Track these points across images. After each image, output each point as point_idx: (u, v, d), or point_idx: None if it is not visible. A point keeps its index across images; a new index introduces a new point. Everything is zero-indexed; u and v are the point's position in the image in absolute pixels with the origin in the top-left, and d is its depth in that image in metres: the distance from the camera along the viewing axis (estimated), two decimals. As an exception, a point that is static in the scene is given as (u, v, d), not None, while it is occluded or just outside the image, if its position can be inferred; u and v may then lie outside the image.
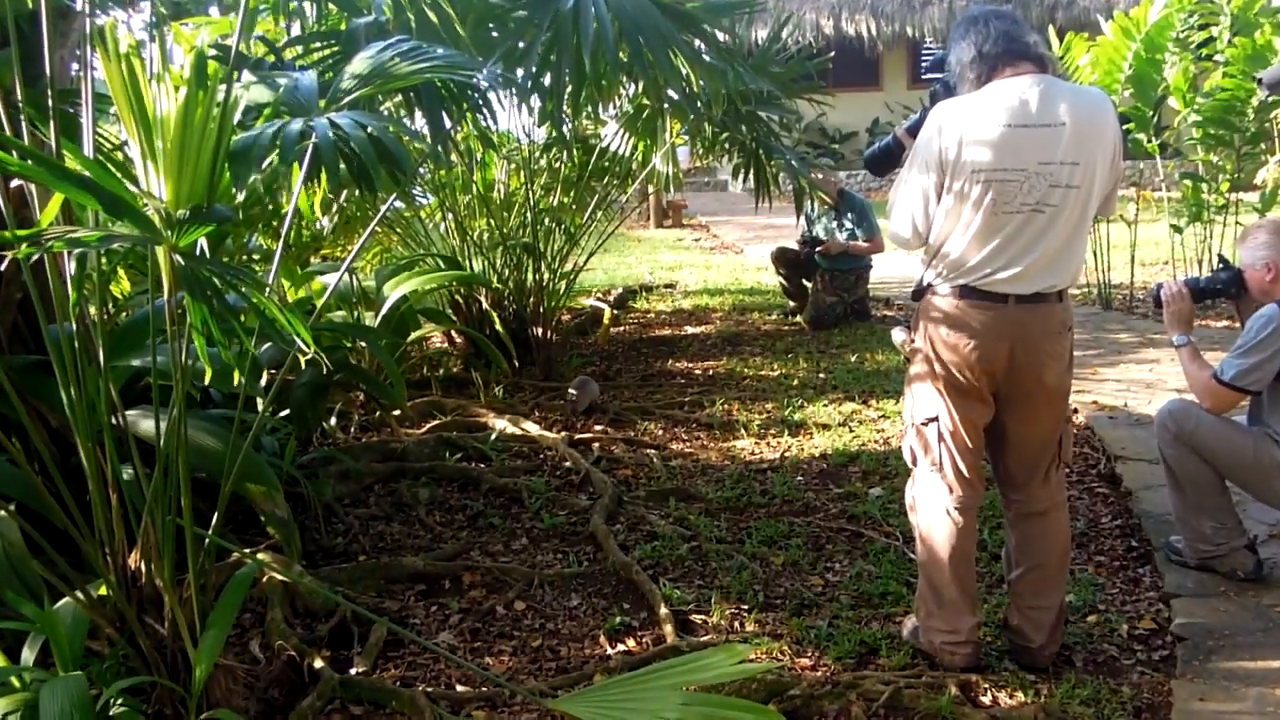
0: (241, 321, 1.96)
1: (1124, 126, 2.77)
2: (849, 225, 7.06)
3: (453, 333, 6.45)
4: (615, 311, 7.78)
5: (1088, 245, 2.81)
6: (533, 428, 4.85)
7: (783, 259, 7.42)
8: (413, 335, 5.12)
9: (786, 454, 4.56)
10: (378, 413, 4.78)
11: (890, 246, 7.08)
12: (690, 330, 7.43)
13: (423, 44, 2.71)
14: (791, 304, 7.67)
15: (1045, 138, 2.45)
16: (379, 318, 4.58)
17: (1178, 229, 6.93)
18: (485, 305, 5.92)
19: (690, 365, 6.34)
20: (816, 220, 7.28)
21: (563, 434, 4.75)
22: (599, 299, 8.22)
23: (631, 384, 5.84)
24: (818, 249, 7.10)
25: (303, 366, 3.61)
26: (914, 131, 2.73)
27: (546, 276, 6.02)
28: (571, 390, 5.10)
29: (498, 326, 5.69)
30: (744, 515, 3.89)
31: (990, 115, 2.46)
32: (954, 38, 2.58)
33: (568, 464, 4.41)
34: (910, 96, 17.72)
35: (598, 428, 4.98)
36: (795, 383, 5.75)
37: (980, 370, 2.59)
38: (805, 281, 7.46)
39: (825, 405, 5.25)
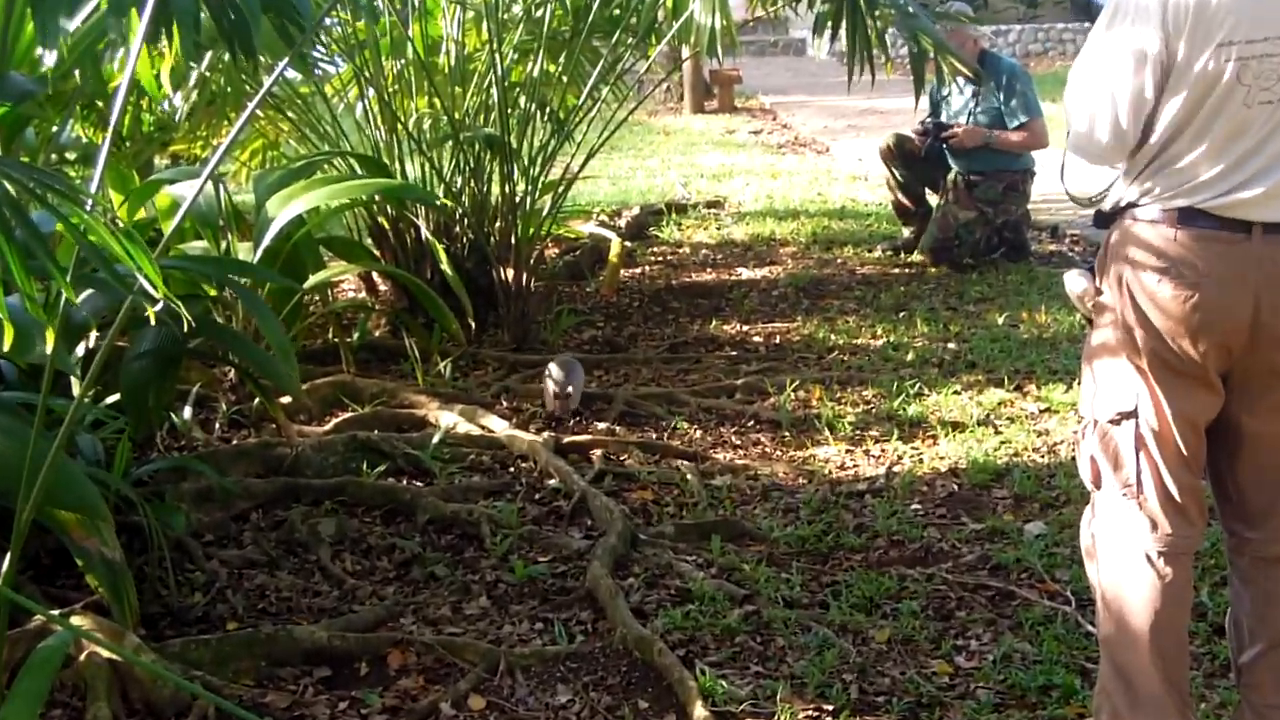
0: (50, 254, 1.97)
1: None
2: (994, 104, 7.01)
3: (375, 276, 6.46)
4: (629, 244, 7.78)
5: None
6: (498, 424, 4.86)
7: (898, 154, 7.39)
8: (313, 279, 5.14)
9: (896, 468, 4.57)
10: (257, 400, 4.81)
11: (1044, 141, 7.02)
12: (746, 274, 7.42)
13: None
14: (906, 231, 7.66)
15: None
16: (260, 250, 4.59)
17: None
18: (426, 233, 5.93)
19: (745, 329, 6.34)
20: (945, 101, 7.24)
21: (545, 435, 4.76)
22: (603, 224, 8.21)
23: (654, 358, 5.85)
24: (944, 138, 7.07)
25: (149, 325, 3.62)
26: None
27: (522, 188, 6.02)
28: (554, 370, 5.10)
29: (445, 266, 5.70)
30: (828, 564, 3.90)
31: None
32: None
33: (553, 482, 4.43)
34: (1096, -94, 17.54)
35: (600, 425, 5.00)
36: (910, 357, 5.74)
37: (1205, 338, 2.57)
38: (931, 194, 7.43)
39: (957, 393, 5.25)
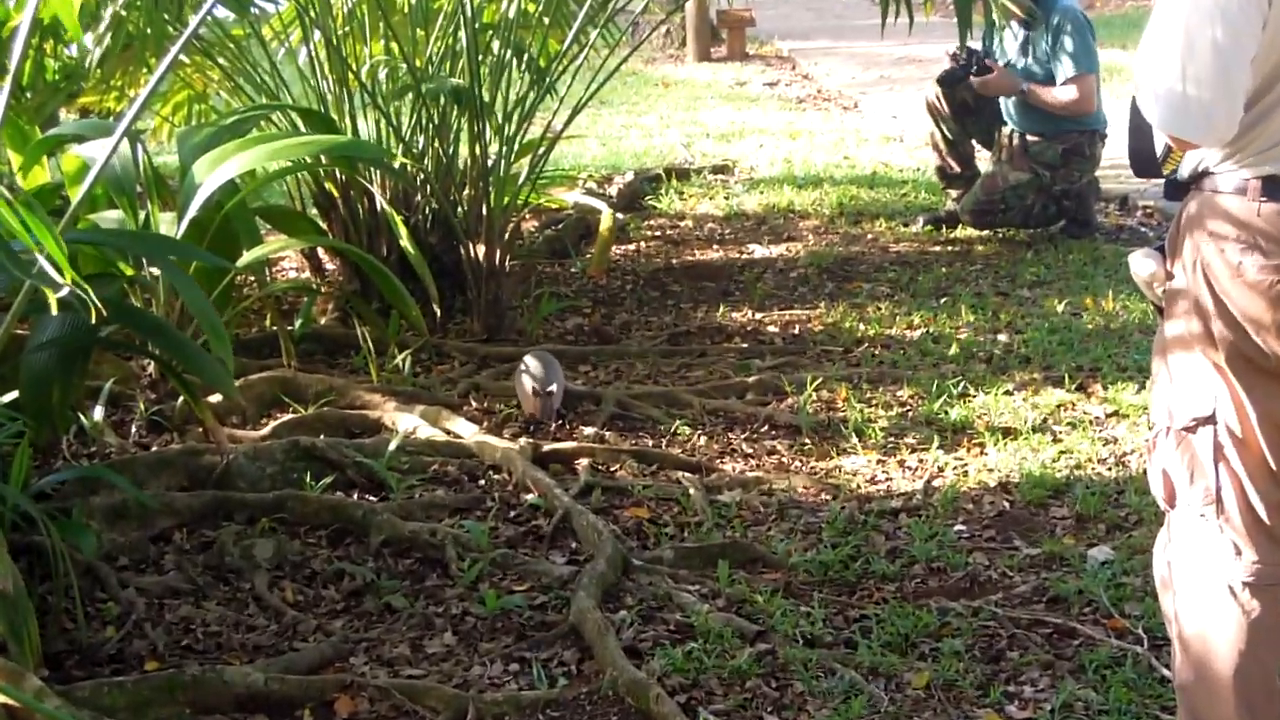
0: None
1: None
2: (1043, 51, 7.01)
3: (321, 253, 6.44)
4: (621, 216, 7.77)
5: None
6: (466, 429, 4.86)
7: (948, 104, 7.38)
8: (247, 256, 5.13)
9: (936, 483, 4.57)
10: (181, 399, 4.80)
11: (1088, 105, 7.01)
12: (759, 252, 7.42)
13: None
14: (950, 201, 7.67)
15: None
16: (184, 222, 4.58)
17: None
18: (382, 202, 5.92)
19: (759, 317, 6.34)
20: (999, 48, 7.24)
21: (522, 442, 4.76)
22: (591, 192, 8.20)
23: (650, 351, 5.85)
24: (972, 73, 7.06)
25: (50, 312, 3.61)
26: None
27: (495, 150, 6.02)
28: (530, 365, 5.09)
29: (404, 241, 5.69)
30: (856, 595, 3.90)
31: None
32: None
33: (530, 497, 4.42)
34: None
35: (587, 430, 5.01)
36: (953, 351, 5.75)
37: (1297, 331, 2.58)
38: (984, 150, 7.46)
39: (1008, 393, 5.25)
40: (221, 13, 5.64)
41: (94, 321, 3.63)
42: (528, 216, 7.28)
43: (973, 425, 4.99)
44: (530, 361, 5.10)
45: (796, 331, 6.12)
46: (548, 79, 6.11)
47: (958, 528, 4.26)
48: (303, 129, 5.63)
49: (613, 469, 4.70)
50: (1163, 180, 2.76)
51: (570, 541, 4.19)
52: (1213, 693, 2.70)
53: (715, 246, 7.56)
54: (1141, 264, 2.77)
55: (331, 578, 4.00)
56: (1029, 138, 7.10)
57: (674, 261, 7.24)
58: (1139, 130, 2.71)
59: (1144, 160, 2.75)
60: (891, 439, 4.90)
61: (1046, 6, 6.98)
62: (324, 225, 6.07)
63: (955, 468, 4.69)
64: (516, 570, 4.01)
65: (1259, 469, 2.65)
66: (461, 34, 5.91)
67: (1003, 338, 5.90)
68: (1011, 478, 4.57)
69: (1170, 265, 2.72)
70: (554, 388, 5.01)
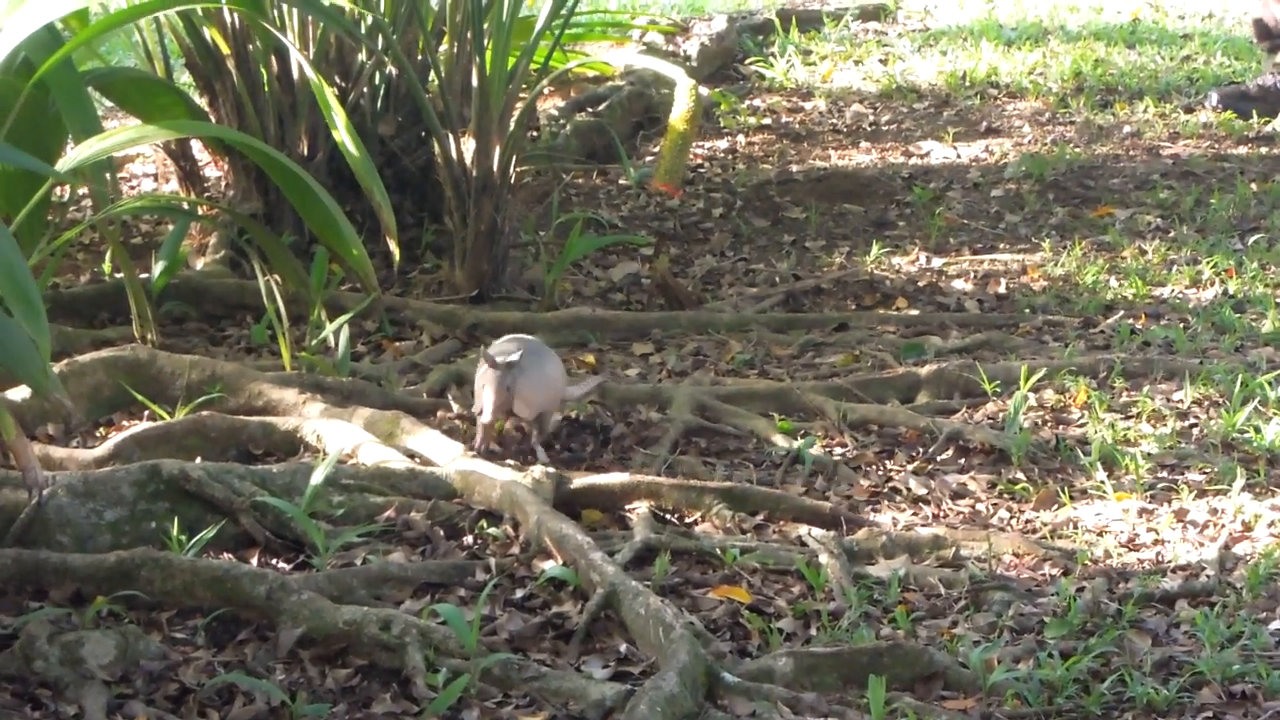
0: None
1: None
2: None
3: (199, 150, 6.45)
4: (706, 92, 7.76)
5: None
6: (441, 449, 4.87)
7: None
8: (77, 155, 5.14)
9: (1239, 547, 4.55)
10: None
11: None
12: (939, 155, 7.41)
13: None
14: (1272, 64, 7.61)
15: None
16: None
17: None
18: (303, 64, 5.92)
19: (938, 264, 6.35)
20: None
21: (537, 471, 4.75)
22: (655, 50, 8.20)
23: (754, 320, 5.88)
24: None
25: None
26: None
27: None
28: (493, 359, 5.03)
29: (340, 132, 5.67)
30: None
31: None
32: None
33: (551, 566, 4.41)
34: None
35: (646, 453, 5.00)
36: (1269, 325, 5.74)
37: None
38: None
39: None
40: None
41: None
42: (549, 91, 7.28)
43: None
44: (502, 352, 4.99)
45: (1002, 290, 6.10)
46: None
47: (1277, 625, 4.22)
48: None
49: (690, 519, 4.69)
50: None
51: (618, 641, 4.17)
52: None
53: (864, 145, 7.56)
54: None
55: (213, 698, 3.99)
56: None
57: (794, 169, 7.24)
58: None
59: None
60: (1163, 474, 4.89)
61: None
62: (204, 103, 6.07)
63: (1274, 524, 4.65)
64: (526, 689, 3.99)
65: None
66: None
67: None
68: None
69: None
70: (486, 417, 4.88)
